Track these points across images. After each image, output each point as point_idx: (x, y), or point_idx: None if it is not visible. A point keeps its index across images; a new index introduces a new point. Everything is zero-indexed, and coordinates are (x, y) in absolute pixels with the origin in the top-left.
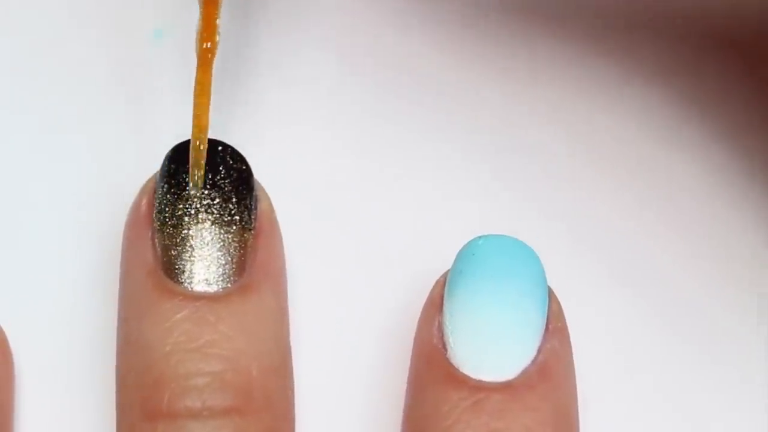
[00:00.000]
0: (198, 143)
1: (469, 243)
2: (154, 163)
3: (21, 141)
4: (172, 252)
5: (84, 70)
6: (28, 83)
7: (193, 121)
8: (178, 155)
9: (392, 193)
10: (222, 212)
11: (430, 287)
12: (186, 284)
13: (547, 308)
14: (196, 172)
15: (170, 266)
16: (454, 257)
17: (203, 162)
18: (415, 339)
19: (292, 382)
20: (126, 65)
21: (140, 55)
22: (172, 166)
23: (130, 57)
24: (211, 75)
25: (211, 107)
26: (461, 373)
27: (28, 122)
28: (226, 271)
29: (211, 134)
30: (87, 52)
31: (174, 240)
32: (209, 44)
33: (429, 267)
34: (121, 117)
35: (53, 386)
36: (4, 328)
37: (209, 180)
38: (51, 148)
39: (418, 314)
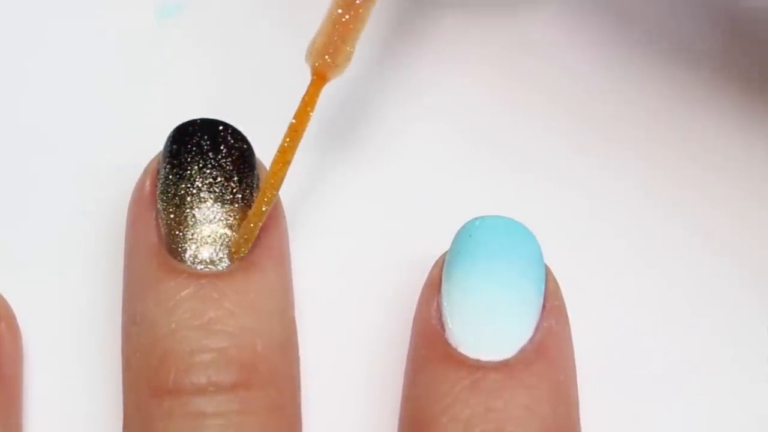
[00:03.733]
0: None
1: (466, 224)
2: (158, 144)
3: (23, 122)
4: (176, 231)
5: (86, 50)
6: (30, 63)
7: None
8: (180, 135)
9: (392, 174)
10: (224, 191)
11: (429, 268)
12: (189, 263)
13: (544, 287)
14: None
15: (174, 245)
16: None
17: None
18: (414, 319)
19: (298, 357)
20: (128, 45)
21: (142, 34)
22: (174, 146)
23: (133, 37)
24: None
25: (228, 98)
26: (459, 352)
27: (30, 103)
28: (229, 248)
29: (214, 116)
30: (89, 32)
31: (177, 219)
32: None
33: (428, 248)
34: (123, 97)
35: (60, 366)
36: (11, 307)
37: (210, 159)
38: (53, 130)
39: (418, 295)
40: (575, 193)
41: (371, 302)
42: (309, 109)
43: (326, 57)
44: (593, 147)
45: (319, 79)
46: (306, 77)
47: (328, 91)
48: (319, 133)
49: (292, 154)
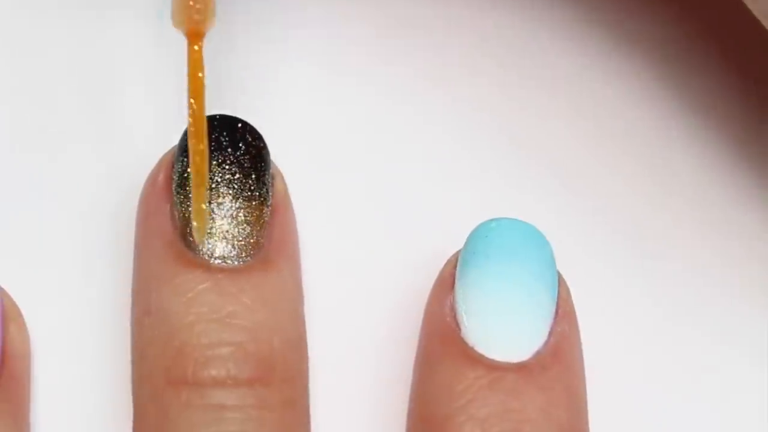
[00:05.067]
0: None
1: (481, 225)
2: (160, 143)
3: (24, 122)
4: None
5: (87, 50)
6: (31, 63)
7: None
8: None
9: (405, 173)
10: (242, 187)
11: (438, 268)
12: (207, 256)
13: (557, 292)
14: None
15: (191, 238)
16: (463, 239)
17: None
18: (426, 317)
19: (307, 354)
20: (129, 45)
21: (143, 34)
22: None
23: (133, 36)
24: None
25: (229, 97)
26: (476, 351)
27: (31, 103)
28: (246, 244)
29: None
30: (90, 31)
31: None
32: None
33: (434, 247)
34: (123, 97)
35: (66, 363)
36: (18, 304)
37: (229, 156)
38: (53, 130)
39: (426, 294)
40: (589, 198)
41: (377, 299)
42: (199, 73)
43: (194, 16)
44: (611, 151)
45: (195, 37)
46: (312, 76)
47: (335, 89)
48: (325, 131)
49: (203, 126)
